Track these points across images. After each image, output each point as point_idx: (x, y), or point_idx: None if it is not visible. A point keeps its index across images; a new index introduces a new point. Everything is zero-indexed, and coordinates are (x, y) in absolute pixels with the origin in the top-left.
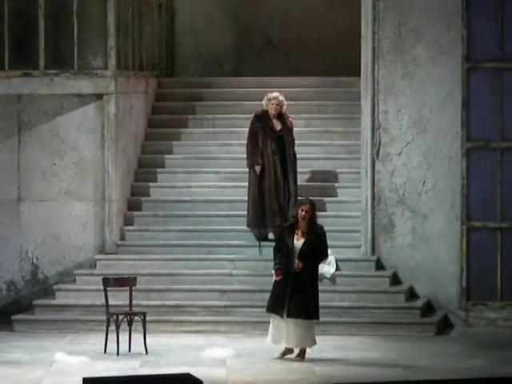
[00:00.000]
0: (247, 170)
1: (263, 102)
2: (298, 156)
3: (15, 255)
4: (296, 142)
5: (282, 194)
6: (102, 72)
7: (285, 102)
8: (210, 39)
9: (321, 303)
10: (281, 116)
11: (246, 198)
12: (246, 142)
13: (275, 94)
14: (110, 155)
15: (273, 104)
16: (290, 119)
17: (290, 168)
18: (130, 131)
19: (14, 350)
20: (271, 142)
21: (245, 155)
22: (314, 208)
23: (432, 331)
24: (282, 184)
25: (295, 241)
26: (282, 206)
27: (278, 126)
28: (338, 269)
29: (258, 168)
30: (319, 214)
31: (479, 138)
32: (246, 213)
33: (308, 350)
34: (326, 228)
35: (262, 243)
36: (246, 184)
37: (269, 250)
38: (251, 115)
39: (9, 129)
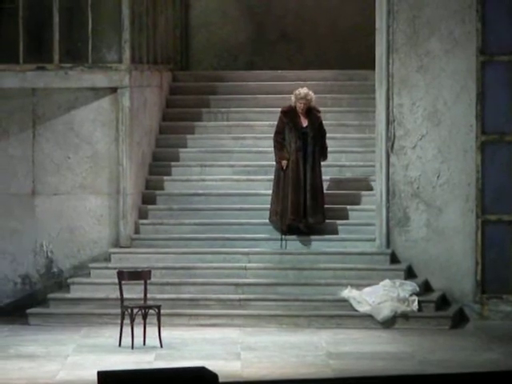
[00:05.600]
0: (261, 163)
1: (291, 98)
2: None
3: (30, 249)
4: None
5: (302, 192)
6: (117, 65)
7: (313, 97)
8: (225, 32)
9: (335, 297)
10: (309, 111)
11: (270, 192)
12: (261, 136)
13: (303, 93)
14: (124, 149)
15: (300, 103)
16: (319, 113)
17: (313, 165)
18: (144, 125)
19: (29, 344)
20: (296, 139)
21: (259, 149)
22: None
23: (447, 325)
24: (303, 182)
25: None
26: (300, 203)
27: (304, 122)
28: None
29: (284, 163)
30: (334, 207)
31: (494, 131)
32: (260, 206)
33: (323, 343)
34: (340, 221)
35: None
36: (260, 177)
37: (290, 244)
38: (265, 109)
39: (23, 122)
